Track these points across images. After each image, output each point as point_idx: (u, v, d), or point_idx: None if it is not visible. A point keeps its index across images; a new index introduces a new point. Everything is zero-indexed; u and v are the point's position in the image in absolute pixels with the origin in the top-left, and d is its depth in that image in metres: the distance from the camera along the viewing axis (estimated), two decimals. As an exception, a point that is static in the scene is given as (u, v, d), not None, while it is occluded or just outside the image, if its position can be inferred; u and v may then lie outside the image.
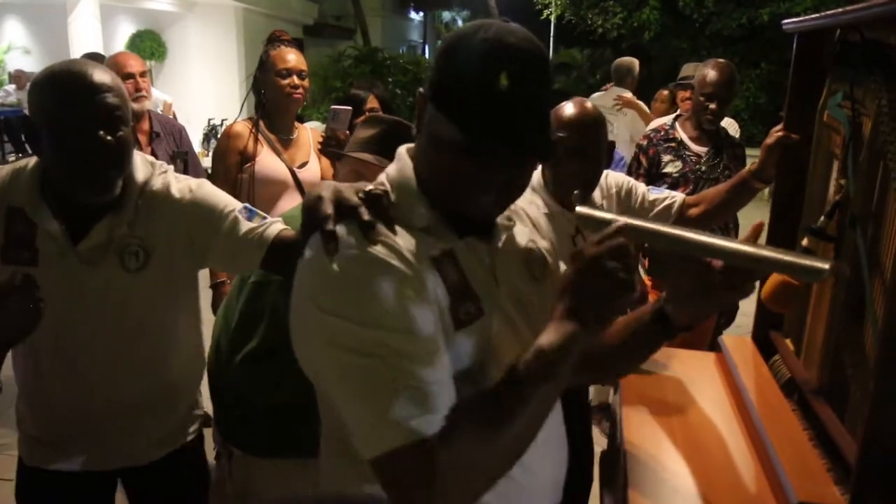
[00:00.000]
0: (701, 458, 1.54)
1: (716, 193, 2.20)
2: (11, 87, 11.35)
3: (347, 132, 2.43)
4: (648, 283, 3.26)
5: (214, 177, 2.77)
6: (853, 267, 1.46)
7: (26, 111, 9.54)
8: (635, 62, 5.04)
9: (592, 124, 1.95)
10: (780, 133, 1.92)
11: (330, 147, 2.36)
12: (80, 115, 1.31)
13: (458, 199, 0.98)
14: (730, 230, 3.16)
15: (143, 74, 3.21)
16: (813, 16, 1.68)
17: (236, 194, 2.64)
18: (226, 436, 1.75)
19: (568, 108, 1.96)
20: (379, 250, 0.92)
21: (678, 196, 2.21)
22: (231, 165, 2.65)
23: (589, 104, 2.00)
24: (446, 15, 21.77)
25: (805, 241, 1.58)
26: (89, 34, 8.98)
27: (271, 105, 2.67)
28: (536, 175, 2.02)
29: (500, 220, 1.08)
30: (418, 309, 0.91)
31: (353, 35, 15.62)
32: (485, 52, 0.91)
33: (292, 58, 2.63)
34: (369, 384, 0.88)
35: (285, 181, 2.63)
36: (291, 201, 2.64)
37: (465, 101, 0.91)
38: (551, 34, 17.71)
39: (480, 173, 0.94)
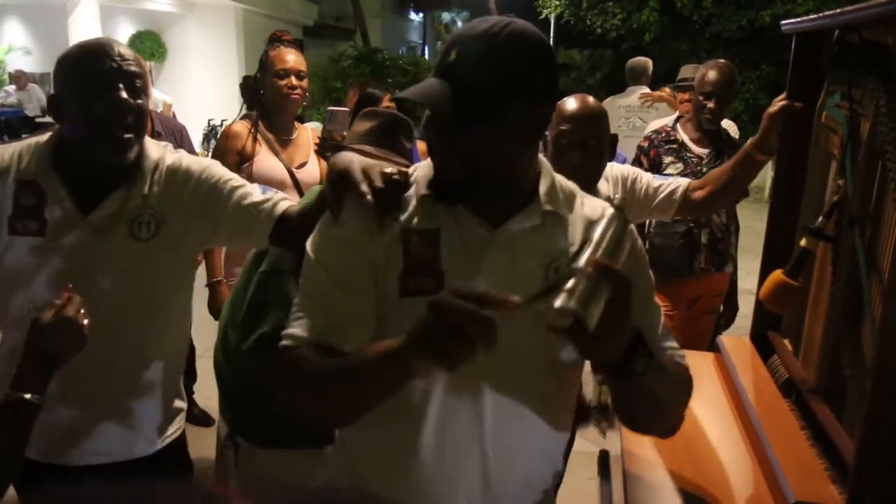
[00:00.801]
0: (699, 457, 1.54)
1: (720, 173, 2.16)
2: (12, 88, 11.35)
3: (344, 133, 2.45)
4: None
5: None
6: (851, 267, 1.47)
7: (27, 112, 9.56)
8: (649, 62, 5.05)
9: (594, 117, 1.96)
10: (782, 102, 1.89)
11: (326, 149, 2.37)
12: (108, 78, 1.41)
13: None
14: (731, 232, 3.16)
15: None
16: (811, 16, 1.68)
17: None
18: (233, 427, 1.77)
19: (570, 102, 1.97)
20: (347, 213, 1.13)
21: (682, 181, 2.18)
22: (229, 165, 2.62)
23: (591, 99, 2.00)
24: (446, 16, 21.78)
25: (803, 242, 1.59)
26: (89, 34, 8.96)
27: (270, 105, 2.68)
28: None
29: (544, 211, 1.11)
30: (349, 258, 1.10)
31: (352, 36, 15.64)
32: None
33: (291, 58, 2.64)
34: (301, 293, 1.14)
35: (283, 181, 2.63)
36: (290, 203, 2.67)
37: None
38: (551, 35, 17.73)
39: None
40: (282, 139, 2.70)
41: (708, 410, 1.76)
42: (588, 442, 3.30)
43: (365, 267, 1.10)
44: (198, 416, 3.53)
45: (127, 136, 1.43)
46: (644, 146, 3.23)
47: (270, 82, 2.63)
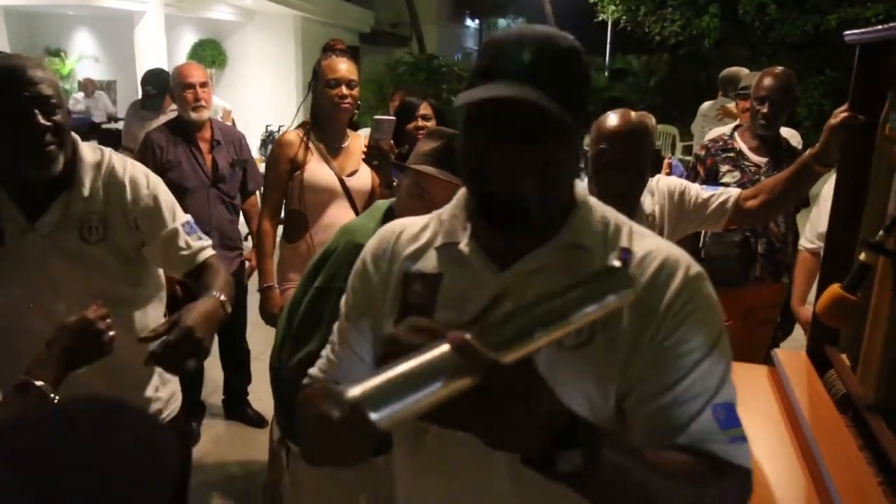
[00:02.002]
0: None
1: (775, 182, 2.10)
2: (80, 95, 11.79)
3: (392, 142, 2.48)
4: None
5: (267, 184, 2.85)
6: (912, 283, 1.44)
7: (94, 118, 9.86)
8: (741, 71, 4.96)
9: (635, 134, 1.93)
10: (844, 114, 1.84)
11: (373, 157, 2.42)
12: (22, 108, 1.47)
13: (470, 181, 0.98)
14: (788, 242, 3.10)
15: (203, 85, 3.31)
16: (876, 27, 1.65)
17: (287, 201, 2.75)
18: (285, 432, 1.81)
19: (610, 119, 1.94)
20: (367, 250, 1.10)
21: (733, 191, 2.13)
22: (282, 173, 2.73)
23: (633, 114, 1.97)
24: (502, 22, 21.80)
25: (863, 256, 1.56)
26: (154, 43, 9.30)
27: (322, 114, 2.73)
28: (583, 188, 2.02)
29: (567, 242, 0.97)
30: (360, 304, 1.07)
31: (408, 42, 15.78)
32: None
33: (343, 67, 2.68)
34: None
35: (333, 189, 2.69)
36: (340, 209, 2.71)
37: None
38: (608, 40, 17.59)
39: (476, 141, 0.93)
40: (333, 147, 2.75)
41: (761, 425, 1.74)
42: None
43: (375, 297, 1.06)
44: (251, 417, 3.62)
45: (49, 148, 1.51)
46: (701, 154, 3.19)
47: (322, 91, 2.68)
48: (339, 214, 2.67)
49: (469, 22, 22.93)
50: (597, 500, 0.80)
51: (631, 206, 2.01)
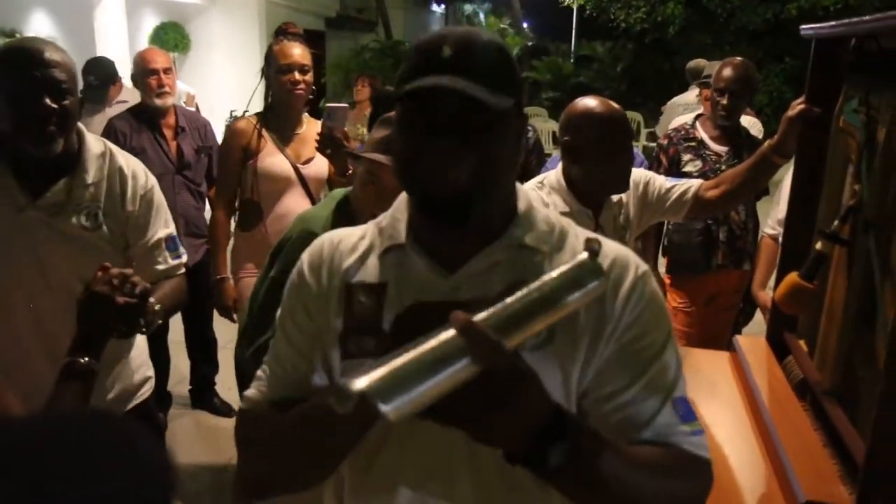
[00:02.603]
0: (713, 455, 1.57)
1: (735, 173, 2.15)
2: (39, 78, 11.50)
3: (346, 130, 2.44)
4: (667, 281, 3.29)
5: (220, 173, 2.80)
6: (866, 272, 1.49)
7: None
8: (703, 62, 5.03)
9: (621, 122, 1.95)
10: (801, 106, 1.89)
11: (326, 146, 2.37)
12: (33, 86, 1.52)
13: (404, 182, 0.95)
14: (749, 229, 3.17)
15: (166, 71, 3.27)
16: (830, 23, 1.69)
17: (241, 190, 2.69)
18: None
19: (594, 107, 1.94)
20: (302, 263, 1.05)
21: (694, 182, 2.17)
22: (234, 162, 2.67)
23: (613, 103, 1.98)
24: (468, 7, 21.72)
25: (819, 245, 1.61)
26: (115, 26, 9.09)
27: (275, 100, 2.67)
28: (556, 175, 2.04)
29: (518, 245, 0.95)
30: (296, 316, 1.02)
31: (375, 28, 15.65)
32: None
33: (296, 52, 2.62)
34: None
35: (288, 178, 2.64)
36: (295, 197, 2.66)
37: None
38: (573, 27, 17.63)
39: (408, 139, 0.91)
40: (287, 135, 2.69)
41: (723, 409, 1.79)
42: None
43: (316, 308, 1.01)
44: (218, 407, 3.61)
45: (50, 128, 1.55)
46: (664, 144, 3.24)
47: (275, 77, 2.62)
48: (295, 203, 2.64)
49: (435, 7, 22.82)
50: (579, 495, 0.82)
51: (625, 191, 2.05)
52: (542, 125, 11.55)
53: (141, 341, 1.89)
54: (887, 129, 1.43)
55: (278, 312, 1.06)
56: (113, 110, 3.83)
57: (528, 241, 0.95)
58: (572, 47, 17.73)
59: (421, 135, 0.89)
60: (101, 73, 4.23)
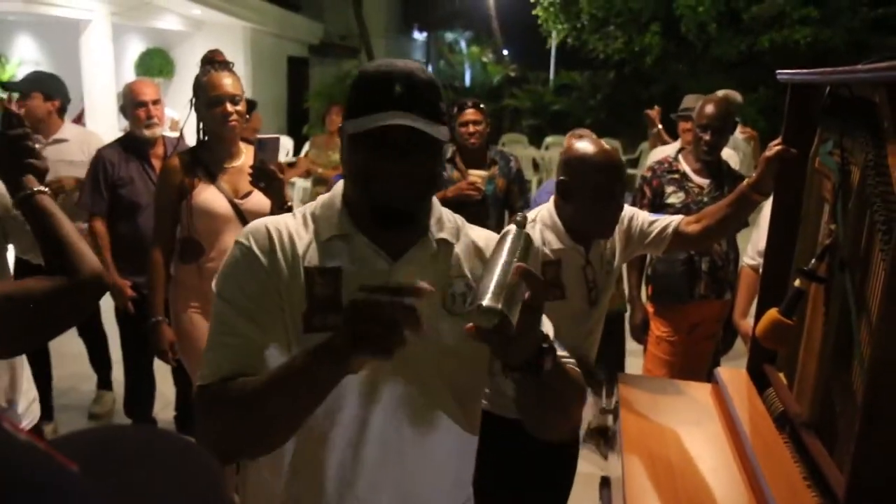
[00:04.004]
0: (696, 486, 1.62)
1: (717, 209, 2.22)
2: (20, 102, 11.44)
3: (280, 162, 2.33)
4: (651, 310, 3.35)
5: (156, 213, 2.68)
6: (842, 308, 1.55)
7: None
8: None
9: (616, 171, 2.01)
10: (778, 147, 1.96)
11: (260, 179, 2.27)
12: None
13: (358, 192, 1.18)
14: (730, 260, 3.25)
15: (155, 102, 3.31)
16: (805, 70, 1.77)
17: (180, 229, 2.56)
18: None
19: (593, 153, 2.00)
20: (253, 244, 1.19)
21: (675, 218, 2.24)
22: (169, 202, 2.57)
23: (611, 149, 2.05)
24: (449, 35, 21.96)
25: (797, 282, 1.67)
26: (101, 51, 9.10)
27: (209, 133, 2.56)
28: (549, 212, 2.09)
29: (437, 240, 1.21)
30: (248, 290, 1.15)
31: (357, 55, 15.78)
32: None
33: (226, 83, 2.51)
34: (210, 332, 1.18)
35: (225, 214, 2.52)
36: (234, 233, 2.50)
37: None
38: (552, 57, 17.87)
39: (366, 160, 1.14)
40: (223, 168, 2.57)
41: (706, 441, 1.84)
42: (590, 465, 3.38)
43: (271, 294, 1.15)
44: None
45: None
46: (647, 176, 3.33)
47: (205, 110, 2.51)
48: (233, 239, 2.52)
49: (417, 35, 23.05)
50: (549, 393, 1.10)
51: (611, 233, 2.12)
52: (522, 152, 11.67)
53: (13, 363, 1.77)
54: (861, 172, 1.50)
55: (221, 290, 1.18)
56: (62, 135, 3.64)
57: (444, 236, 1.23)
58: (551, 76, 17.96)
59: (376, 160, 1.11)
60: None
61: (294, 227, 1.20)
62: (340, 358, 0.98)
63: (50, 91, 3.63)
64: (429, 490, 1.23)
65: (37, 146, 1.43)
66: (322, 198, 1.25)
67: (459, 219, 1.30)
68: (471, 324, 0.97)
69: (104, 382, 4.02)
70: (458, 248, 1.24)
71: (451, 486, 1.28)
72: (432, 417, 1.21)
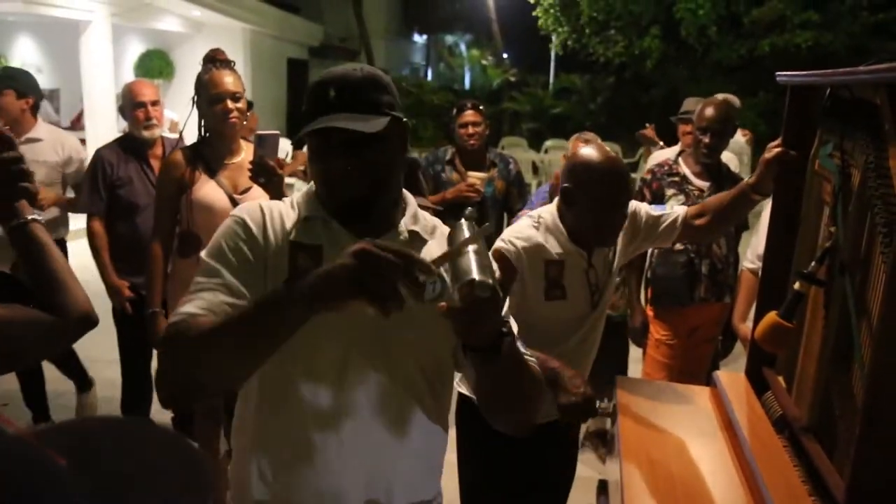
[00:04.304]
0: (695, 489, 1.61)
1: (718, 205, 2.22)
2: (21, 103, 11.45)
3: (279, 158, 2.35)
4: (650, 313, 3.34)
5: (157, 207, 2.72)
6: (842, 311, 1.54)
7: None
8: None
9: (621, 181, 1.98)
10: (777, 149, 1.95)
11: (259, 174, 2.29)
12: None
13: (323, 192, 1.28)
14: (730, 263, 3.25)
15: (154, 103, 3.30)
16: (805, 72, 1.76)
17: (179, 223, 2.62)
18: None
19: (598, 161, 1.97)
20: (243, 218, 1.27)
21: (679, 209, 2.24)
22: (170, 195, 2.63)
23: (617, 158, 2.02)
24: (449, 38, 21.98)
25: (797, 285, 1.66)
26: (100, 53, 9.11)
27: (209, 130, 2.63)
28: (552, 216, 2.08)
29: (409, 231, 1.29)
30: (239, 255, 1.23)
31: (357, 57, 15.81)
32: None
33: (227, 81, 2.56)
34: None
35: (224, 209, 2.52)
36: None
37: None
38: (552, 60, 17.89)
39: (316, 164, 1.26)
40: (222, 164, 2.63)
41: (704, 443, 1.83)
42: (588, 468, 3.37)
43: (257, 260, 1.23)
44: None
45: None
46: (647, 178, 3.32)
47: (207, 107, 2.57)
48: None
49: (417, 37, 23.07)
50: (505, 379, 1.16)
51: (614, 241, 2.11)
52: (522, 155, 11.66)
53: None
54: (861, 174, 1.49)
55: (208, 251, 1.26)
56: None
57: (416, 229, 1.31)
58: (551, 79, 17.97)
59: (322, 161, 1.23)
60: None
61: (283, 209, 1.31)
62: (330, 292, 1.02)
63: (23, 88, 3.52)
64: (398, 473, 1.26)
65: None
66: (305, 188, 1.35)
67: (437, 222, 1.37)
68: (443, 303, 1.02)
69: (82, 386, 3.94)
70: (432, 245, 1.30)
71: (421, 476, 1.31)
72: (403, 398, 1.27)
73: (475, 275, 1.00)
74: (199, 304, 1.17)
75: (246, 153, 2.63)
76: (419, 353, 1.28)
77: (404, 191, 1.36)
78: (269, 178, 2.29)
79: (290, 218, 1.29)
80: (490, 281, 1.00)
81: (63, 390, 4.16)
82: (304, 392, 1.24)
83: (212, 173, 2.61)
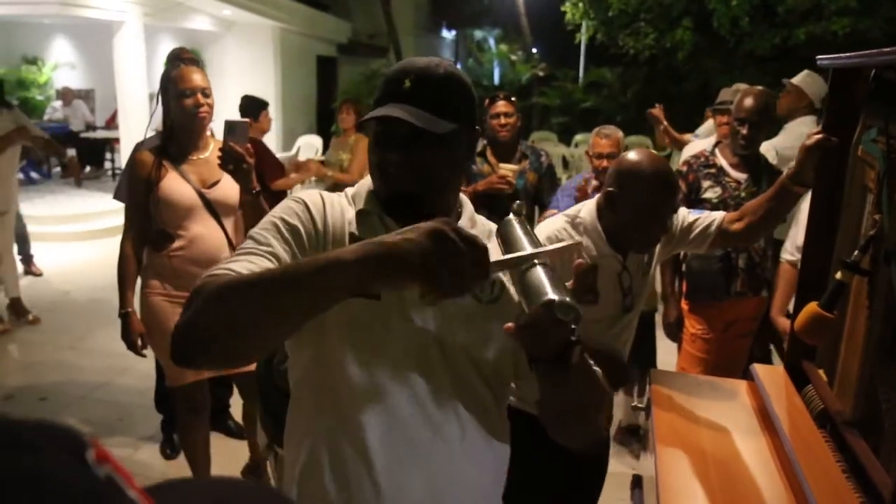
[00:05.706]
0: (732, 485, 1.57)
1: (758, 205, 2.15)
2: (59, 104, 11.67)
3: (249, 146, 2.26)
4: (685, 307, 3.28)
5: (127, 206, 2.72)
6: (887, 301, 1.49)
7: (72, 127, 9.75)
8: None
9: (667, 191, 1.93)
10: (818, 136, 1.89)
11: (228, 162, 2.21)
12: None
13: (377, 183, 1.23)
14: (768, 256, 3.17)
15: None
16: (848, 54, 1.71)
17: (152, 221, 2.62)
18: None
19: (646, 169, 1.92)
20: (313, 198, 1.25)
21: (717, 214, 2.18)
22: (138, 194, 2.63)
23: (665, 166, 1.96)
24: (478, 33, 21.89)
25: (839, 275, 1.61)
26: (133, 52, 9.22)
27: (177, 126, 2.63)
28: (591, 216, 2.04)
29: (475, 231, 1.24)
30: (294, 234, 1.19)
31: (386, 54, 15.81)
32: None
33: (196, 77, 2.58)
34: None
35: (191, 204, 2.59)
36: (202, 223, 2.60)
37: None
38: (581, 54, 17.74)
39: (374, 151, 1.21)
40: (189, 160, 2.63)
41: (742, 438, 1.78)
42: (621, 464, 3.33)
43: (310, 243, 1.19)
44: (233, 429, 3.62)
45: None
46: (683, 170, 3.25)
47: (175, 103, 2.57)
48: (202, 229, 2.60)
49: (446, 33, 23.03)
50: (572, 391, 1.05)
51: (653, 249, 2.08)
52: (553, 149, 11.58)
53: None
54: (907, 160, 1.44)
55: (268, 224, 1.20)
56: None
57: (475, 233, 1.18)
58: (580, 73, 17.83)
59: (380, 150, 1.19)
60: None
61: (342, 201, 1.28)
62: (397, 268, 0.94)
63: None
64: (457, 498, 1.17)
65: None
66: (363, 182, 1.31)
67: (493, 227, 1.31)
68: (510, 324, 0.96)
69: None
70: (490, 248, 1.22)
71: (482, 499, 1.23)
72: (464, 413, 1.19)
73: (551, 294, 0.94)
74: (243, 263, 1.10)
75: (213, 148, 2.61)
76: (475, 355, 1.20)
77: (463, 197, 1.31)
78: (237, 165, 2.23)
79: (349, 211, 1.26)
80: (568, 299, 0.94)
81: (100, 382, 4.22)
82: (363, 400, 1.16)
83: (186, 167, 2.62)
